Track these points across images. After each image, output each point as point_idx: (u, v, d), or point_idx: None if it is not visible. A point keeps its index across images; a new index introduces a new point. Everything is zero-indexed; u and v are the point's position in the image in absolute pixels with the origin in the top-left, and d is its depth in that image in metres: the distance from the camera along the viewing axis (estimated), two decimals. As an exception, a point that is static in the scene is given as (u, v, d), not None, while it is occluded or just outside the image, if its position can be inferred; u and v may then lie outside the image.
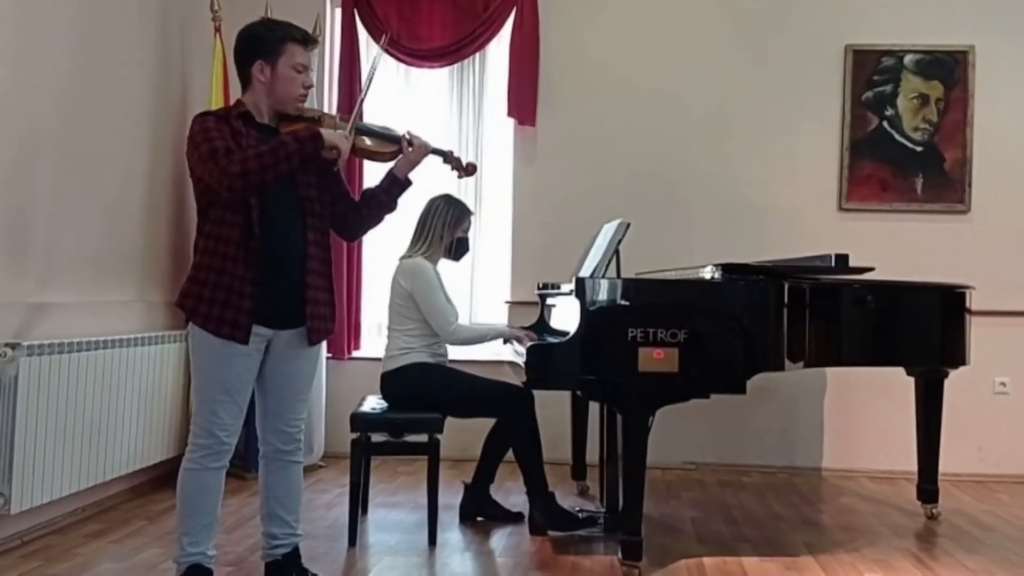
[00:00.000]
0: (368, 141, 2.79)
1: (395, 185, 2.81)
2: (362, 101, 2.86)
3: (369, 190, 2.87)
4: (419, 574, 3.08)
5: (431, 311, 3.54)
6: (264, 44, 2.61)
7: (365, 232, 2.96)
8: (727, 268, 3.19)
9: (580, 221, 4.60)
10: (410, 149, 2.79)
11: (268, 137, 2.60)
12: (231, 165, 2.43)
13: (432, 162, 2.94)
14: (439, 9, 5.01)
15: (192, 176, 2.59)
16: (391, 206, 2.83)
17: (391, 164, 2.83)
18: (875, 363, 3.80)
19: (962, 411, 4.62)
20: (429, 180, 3.63)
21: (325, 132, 2.58)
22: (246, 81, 2.65)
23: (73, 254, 3.59)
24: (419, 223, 3.70)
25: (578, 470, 4.40)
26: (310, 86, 2.70)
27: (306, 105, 2.72)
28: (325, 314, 2.70)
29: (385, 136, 2.83)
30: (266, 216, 2.55)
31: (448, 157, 2.99)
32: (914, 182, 4.93)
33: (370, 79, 2.81)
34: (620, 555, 3.07)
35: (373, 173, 4.54)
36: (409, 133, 2.82)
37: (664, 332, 2.98)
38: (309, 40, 2.69)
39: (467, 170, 3.07)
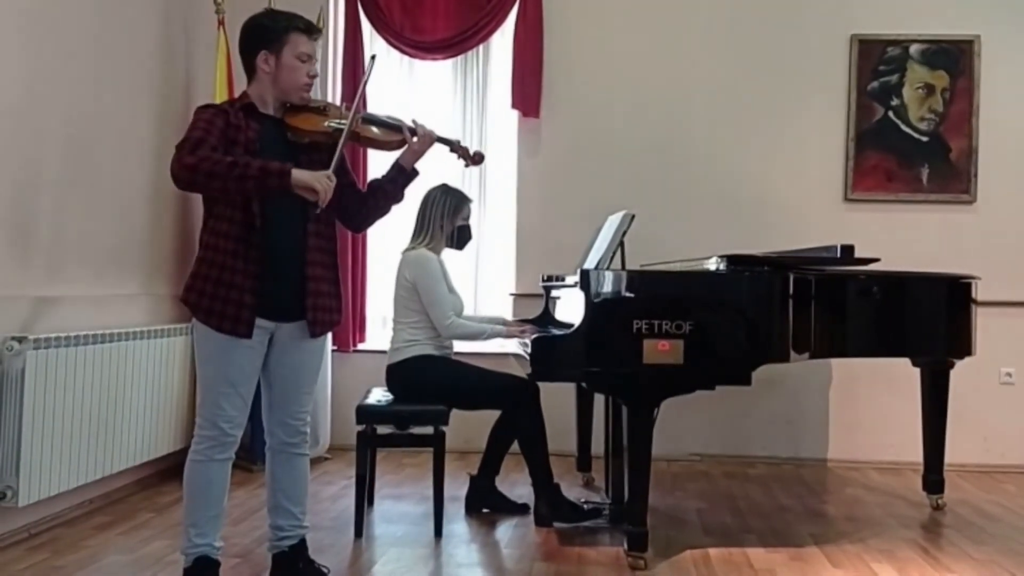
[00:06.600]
0: (374, 130, 2.77)
1: (401, 175, 2.79)
2: (362, 92, 2.83)
3: (375, 181, 2.85)
4: (425, 565, 3.09)
5: (431, 303, 3.54)
6: (268, 34, 2.61)
7: (372, 223, 2.93)
8: (732, 259, 3.19)
9: (584, 213, 4.61)
10: (415, 139, 2.76)
11: (270, 128, 2.61)
12: (189, 156, 2.41)
13: (439, 151, 2.89)
14: (442, 1, 5.00)
15: None
16: (398, 196, 2.81)
17: (397, 153, 2.81)
18: (880, 354, 3.80)
19: (968, 402, 4.60)
20: (436, 170, 3.61)
21: (303, 173, 2.46)
22: (251, 72, 2.65)
23: (79, 248, 3.60)
24: (418, 216, 3.70)
25: (583, 462, 4.40)
26: (315, 75, 2.68)
27: (310, 95, 2.71)
28: (329, 306, 2.70)
29: (390, 125, 2.80)
30: (267, 210, 2.54)
31: (455, 146, 2.91)
32: (919, 172, 4.91)
33: (366, 81, 2.80)
34: (626, 546, 3.08)
35: (378, 163, 4.53)
36: (415, 122, 2.78)
37: (669, 324, 2.98)
38: (313, 29, 2.67)
39: (474, 159, 2.98)
